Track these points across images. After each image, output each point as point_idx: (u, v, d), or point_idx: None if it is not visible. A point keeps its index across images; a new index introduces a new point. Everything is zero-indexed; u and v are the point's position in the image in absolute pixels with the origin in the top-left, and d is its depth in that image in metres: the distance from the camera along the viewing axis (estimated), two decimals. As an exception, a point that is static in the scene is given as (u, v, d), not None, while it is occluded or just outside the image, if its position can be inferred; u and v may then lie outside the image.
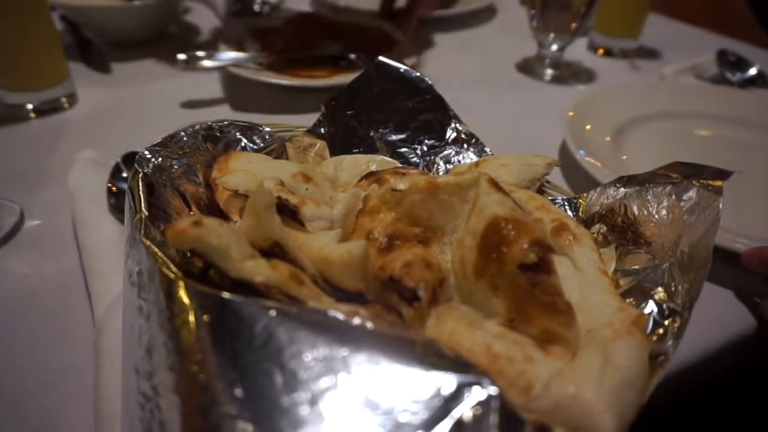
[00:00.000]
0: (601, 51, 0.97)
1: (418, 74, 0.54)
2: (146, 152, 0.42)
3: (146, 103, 0.76)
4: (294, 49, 0.81)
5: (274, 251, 0.31)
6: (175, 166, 0.43)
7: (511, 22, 1.09)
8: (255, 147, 0.51)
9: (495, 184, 0.34)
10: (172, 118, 0.72)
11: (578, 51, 0.96)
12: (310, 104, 0.68)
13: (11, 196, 0.56)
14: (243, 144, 0.50)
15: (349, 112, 0.54)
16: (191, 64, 0.74)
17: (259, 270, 0.27)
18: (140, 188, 0.36)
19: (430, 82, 0.54)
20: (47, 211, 0.55)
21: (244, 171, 0.42)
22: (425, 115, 0.54)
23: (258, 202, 0.30)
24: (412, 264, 0.30)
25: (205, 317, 0.25)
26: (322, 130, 0.53)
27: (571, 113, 0.67)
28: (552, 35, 0.85)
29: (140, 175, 0.37)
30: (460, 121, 0.53)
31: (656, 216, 0.36)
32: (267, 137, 0.52)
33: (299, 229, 0.35)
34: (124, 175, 0.52)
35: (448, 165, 0.52)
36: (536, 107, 0.80)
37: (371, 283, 0.30)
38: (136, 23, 0.88)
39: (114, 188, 0.52)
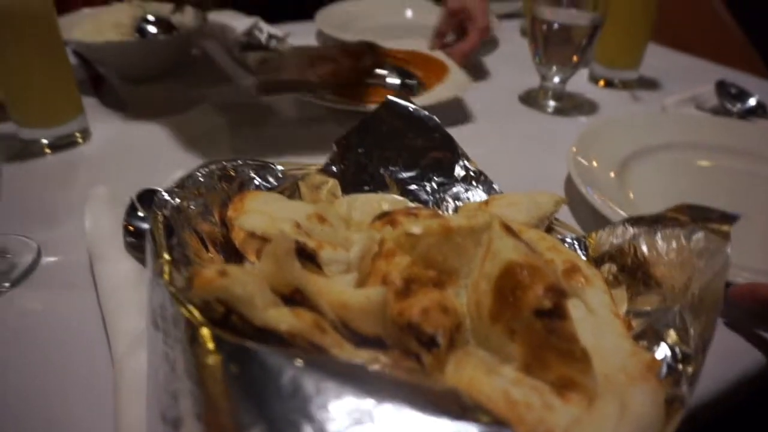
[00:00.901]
0: (602, 82, 0.99)
1: (426, 113, 0.55)
2: (164, 194, 0.43)
3: (159, 138, 0.78)
4: (357, 77, 0.85)
5: (294, 297, 0.32)
6: (192, 207, 0.44)
7: (512, 54, 1.12)
8: (268, 186, 0.52)
9: (507, 228, 0.35)
10: (183, 153, 0.74)
11: (580, 82, 0.98)
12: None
13: (27, 232, 0.57)
14: (257, 183, 0.51)
15: (359, 150, 0.55)
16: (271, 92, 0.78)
17: (282, 318, 0.28)
18: (160, 232, 0.37)
19: (438, 120, 0.55)
20: (64, 248, 0.56)
21: (260, 212, 0.43)
22: (434, 153, 0.55)
23: (279, 249, 0.31)
24: (430, 310, 0.30)
25: (233, 367, 0.25)
26: (334, 168, 0.54)
27: (574, 149, 0.68)
28: (554, 68, 0.87)
29: (160, 219, 0.38)
30: (468, 159, 0.55)
31: (666, 257, 0.37)
32: (280, 176, 0.53)
33: (317, 272, 0.36)
34: (140, 214, 0.53)
35: (457, 202, 0.53)
36: (540, 139, 0.81)
37: (389, 328, 0.31)
38: (149, 59, 0.90)
39: (130, 227, 0.53)
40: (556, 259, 0.39)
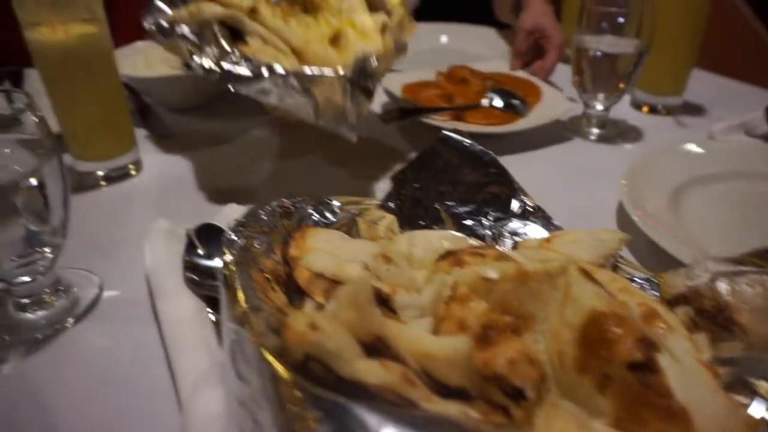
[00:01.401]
0: (645, 108, 0.98)
1: (481, 148, 0.55)
2: (231, 234, 0.43)
3: (207, 167, 0.79)
4: (467, 100, 0.88)
5: (375, 345, 0.32)
6: (257, 245, 0.45)
7: (554, 79, 1.11)
8: (326, 221, 0.52)
9: (586, 273, 0.35)
10: (231, 183, 0.75)
11: (622, 108, 0.97)
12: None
13: (87, 265, 0.58)
14: (315, 218, 0.52)
15: (415, 185, 0.55)
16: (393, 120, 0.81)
17: (371, 371, 0.28)
18: (235, 277, 0.37)
19: (493, 155, 0.55)
20: (123, 282, 0.56)
21: (325, 251, 0.43)
22: (490, 188, 0.55)
23: (360, 297, 0.31)
24: (517, 361, 0.30)
25: (329, 425, 0.25)
26: (391, 204, 0.54)
27: (624, 181, 0.67)
28: (600, 96, 0.86)
29: (232, 263, 0.39)
30: (525, 194, 0.54)
31: (751, 303, 0.35)
32: (337, 211, 0.53)
33: (391, 317, 0.36)
34: (200, 251, 0.54)
35: (515, 238, 0.53)
36: (585, 168, 0.80)
37: (474, 378, 0.31)
38: (196, 91, 0.93)
39: (190, 263, 0.53)
40: (630, 302, 0.38)
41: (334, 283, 0.40)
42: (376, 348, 0.32)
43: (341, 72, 0.59)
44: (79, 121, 0.70)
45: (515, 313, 0.36)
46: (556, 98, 0.92)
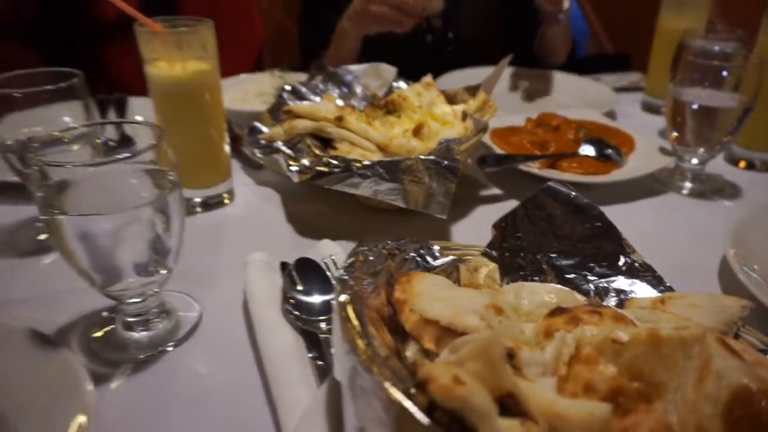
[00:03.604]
0: (742, 164, 0.93)
1: (587, 201, 0.54)
2: (344, 274, 0.44)
3: (293, 196, 0.81)
4: (561, 148, 0.89)
5: (504, 400, 0.31)
6: (365, 286, 0.45)
7: (635, 128, 1.08)
8: (427, 266, 0.52)
9: (726, 346, 0.33)
10: (317, 212, 0.77)
11: (715, 163, 0.93)
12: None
13: (186, 290, 0.60)
14: (417, 262, 0.52)
15: (517, 234, 0.54)
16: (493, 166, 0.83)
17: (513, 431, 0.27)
18: (354, 322, 0.37)
19: (601, 209, 0.54)
20: (220, 308, 0.58)
21: (438, 299, 0.43)
22: (596, 242, 0.53)
23: (493, 353, 0.31)
24: (665, 428, 0.28)
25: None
26: (493, 252, 0.54)
27: (732, 251, 0.63)
28: (699, 150, 0.83)
29: (350, 307, 0.39)
30: (634, 251, 0.52)
31: None
32: (437, 255, 0.53)
33: (516, 373, 0.35)
34: (299, 287, 0.55)
35: (621, 296, 0.51)
36: (682, 224, 0.77)
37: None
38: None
39: (291, 298, 0.54)
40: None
41: (448, 331, 0.40)
42: (506, 405, 0.31)
43: (423, 156, 0.64)
44: (185, 150, 0.73)
45: (645, 380, 0.34)
46: (650, 149, 0.90)
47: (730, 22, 1.20)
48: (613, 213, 0.78)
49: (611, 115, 1.16)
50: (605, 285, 0.52)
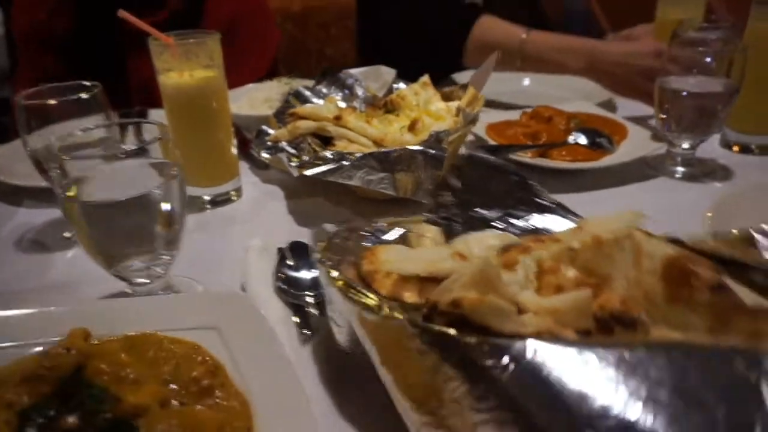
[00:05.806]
0: (736, 147, 0.95)
1: (503, 162, 0.64)
2: (321, 258, 0.49)
3: (296, 194, 0.87)
4: (553, 138, 0.93)
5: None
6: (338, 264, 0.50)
7: (637, 118, 1.10)
8: (380, 241, 0.56)
9: (648, 233, 0.45)
10: (317, 209, 0.83)
11: (710, 148, 0.95)
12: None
13: (192, 275, 0.66)
14: (372, 240, 0.56)
15: (450, 200, 0.65)
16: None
17: (530, 322, 0.37)
18: (345, 284, 0.45)
19: (515, 166, 0.65)
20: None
21: (407, 259, 0.48)
22: (514, 194, 0.65)
23: (490, 274, 0.38)
24: (626, 300, 0.39)
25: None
26: (434, 217, 0.61)
27: (710, 214, 0.65)
28: (684, 136, 0.85)
29: (340, 282, 0.46)
30: (546, 193, 0.64)
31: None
32: (386, 230, 0.58)
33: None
34: (289, 262, 0.62)
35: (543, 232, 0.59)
36: (671, 205, 0.79)
37: (590, 320, 0.39)
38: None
39: (281, 275, 0.60)
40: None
41: (428, 280, 0.45)
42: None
43: (412, 147, 0.70)
44: (194, 150, 0.80)
45: (596, 275, 0.44)
46: (642, 136, 0.92)
47: (729, 9, 1.21)
48: (605, 197, 0.82)
49: (610, 106, 1.18)
50: (528, 225, 0.61)
